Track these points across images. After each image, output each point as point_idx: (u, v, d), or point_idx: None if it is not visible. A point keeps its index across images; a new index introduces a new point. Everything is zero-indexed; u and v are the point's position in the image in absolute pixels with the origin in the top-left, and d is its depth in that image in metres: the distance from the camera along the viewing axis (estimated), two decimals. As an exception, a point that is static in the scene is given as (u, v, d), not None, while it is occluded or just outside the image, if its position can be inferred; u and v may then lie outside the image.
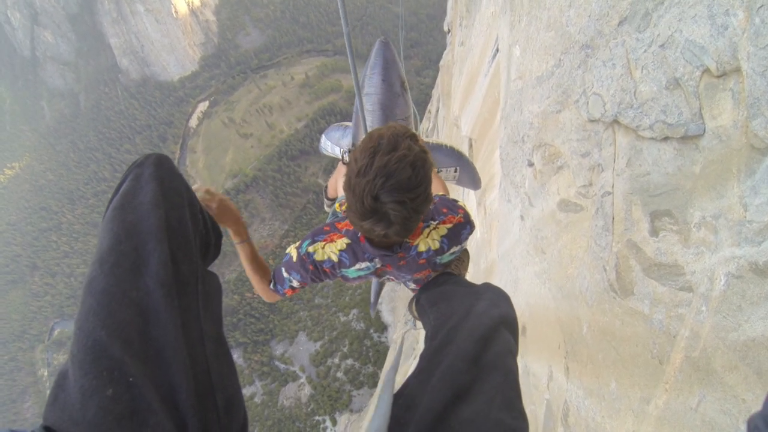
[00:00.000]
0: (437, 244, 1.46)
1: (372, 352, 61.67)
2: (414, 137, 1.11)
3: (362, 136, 2.18)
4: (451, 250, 1.51)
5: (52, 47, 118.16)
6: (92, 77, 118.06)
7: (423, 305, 1.53)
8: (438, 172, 2.71)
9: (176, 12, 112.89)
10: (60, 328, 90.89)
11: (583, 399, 2.00)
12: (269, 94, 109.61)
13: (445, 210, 1.52)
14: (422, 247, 1.44)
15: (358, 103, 2.14)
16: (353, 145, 2.40)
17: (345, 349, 64.49)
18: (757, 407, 0.93)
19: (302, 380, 65.78)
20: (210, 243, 1.06)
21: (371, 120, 2.15)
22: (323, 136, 2.87)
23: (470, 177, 2.96)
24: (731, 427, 0.97)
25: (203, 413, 0.72)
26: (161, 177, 0.88)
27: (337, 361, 64.27)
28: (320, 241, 1.49)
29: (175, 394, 0.69)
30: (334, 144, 2.68)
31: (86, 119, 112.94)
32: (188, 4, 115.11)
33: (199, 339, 0.79)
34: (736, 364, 0.95)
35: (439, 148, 2.83)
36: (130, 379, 0.65)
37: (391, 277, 1.70)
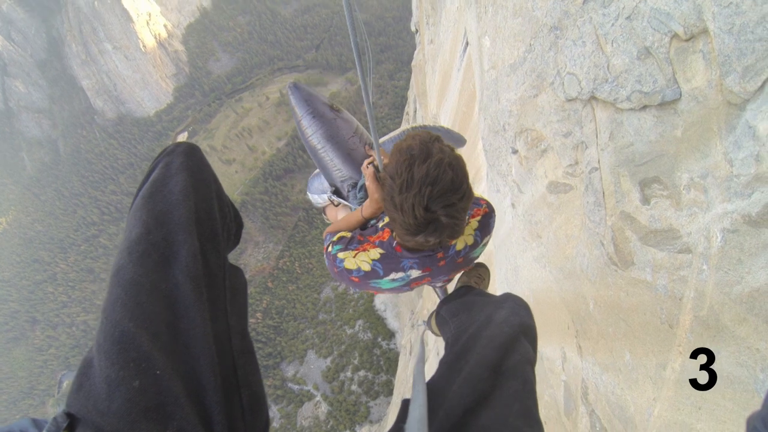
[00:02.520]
0: (471, 239, 1.44)
1: (383, 360, 61.31)
2: (439, 139, 1.09)
3: (334, 171, 2.21)
4: (484, 242, 1.50)
5: (25, 96, 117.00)
6: (68, 122, 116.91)
7: (443, 317, 1.54)
8: None
9: (144, 46, 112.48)
10: (68, 379, 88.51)
11: (599, 375, 2.01)
12: (246, 116, 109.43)
13: None
14: (460, 246, 1.42)
15: (308, 148, 2.18)
16: (331, 185, 2.42)
17: (356, 362, 64.09)
18: None
19: (318, 398, 65.09)
20: (231, 233, 1.05)
21: (327, 154, 2.15)
22: (308, 193, 2.88)
23: (449, 137, 2.97)
24: (749, 378, 0.98)
25: (229, 409, 0.72)
26: (191, 167, 0.87)
27: (349, 374, 63.81)
28: (352, 249, 1.44)
29: (201, 389, 0.69)
30: (321, 193, 2.65)
31: (67, 165, 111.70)
32: (155, 37, 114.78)
33: (226, 334, 0.79)
34: (745, 316, 0.96)
35: (404, 134, 2.84)
36: (158, 372, 0.65)
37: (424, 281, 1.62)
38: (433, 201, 1.01)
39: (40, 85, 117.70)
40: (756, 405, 0.96)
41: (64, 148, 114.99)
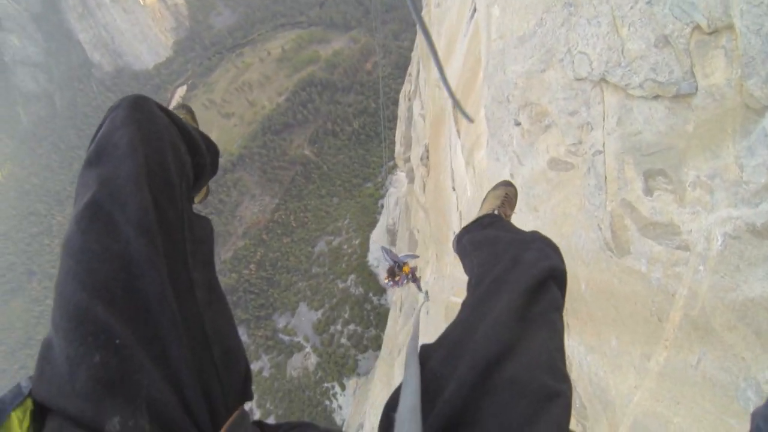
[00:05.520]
0: None
1: (373, 315, 62.06)
2: None
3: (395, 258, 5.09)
4: None
5: (20, 50, 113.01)
6: (65, 75, 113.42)
7: (465, 246, 1.43)
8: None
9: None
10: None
11: (585, 355, 2.05)
12: (247, 71, 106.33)
13: None
14: None
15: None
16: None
17: (346, 315, 64.70)
18: (756, 366, 0.94)
19: (307, 350, 65.64)
20: (191, 182, 0.97)
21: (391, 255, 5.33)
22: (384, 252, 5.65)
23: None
24: (731, 384, 0.98)
25: (200, 368, 0.68)
26: (139, 119, 0.80)
27: (339, 327, 64.46)
28: None
29: (166, 350, 0.65)
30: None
31: (64, 119, 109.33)
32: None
33: (189, 288, 0.74)
34: (735, 323, 0.95)
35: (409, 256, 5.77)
36: (117, 341, 0.61)
37: None
38: None
39: (36, 39, 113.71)
40: (735, 412, 0.97)
41: (60, 101, 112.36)
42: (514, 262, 0.98)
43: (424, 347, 0.90)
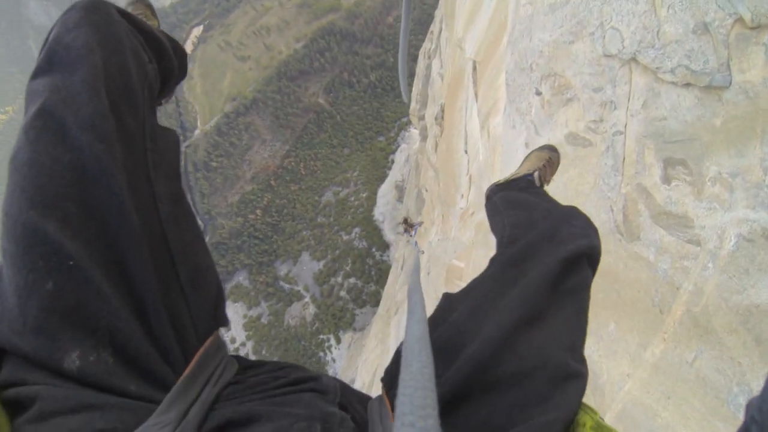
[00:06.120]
0: None
1: (374, 270, 62.13)
2: None
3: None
4: None
5: None
6: None
7: (496, 204, 1.35)
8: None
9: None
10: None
11: (582, 335, 2.07)
12: (266, 15, 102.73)
13: None
14: None
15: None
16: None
17: (348, 268, 64.83)
18: (752, 373, 0.95)
19: (306, 299, 66.38)
20: (173, 69, 0.93)
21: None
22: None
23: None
24: (724, 387, 0.99)
25: (164, 289, 0.62)
26: (96, 21, 0.71)
27: (340, 280, 64.82)
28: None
29: (126, 270, 0.59)
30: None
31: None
32: None
33: (151, 202, 0.67)
34: (736, 327, 0.95)
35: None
36: (71, 263, 0.54)
37: None
38: None
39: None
40: (723, 415, 0.99)
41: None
42: (552, 233, 0.93)
43: (448, 296, 0.86)
